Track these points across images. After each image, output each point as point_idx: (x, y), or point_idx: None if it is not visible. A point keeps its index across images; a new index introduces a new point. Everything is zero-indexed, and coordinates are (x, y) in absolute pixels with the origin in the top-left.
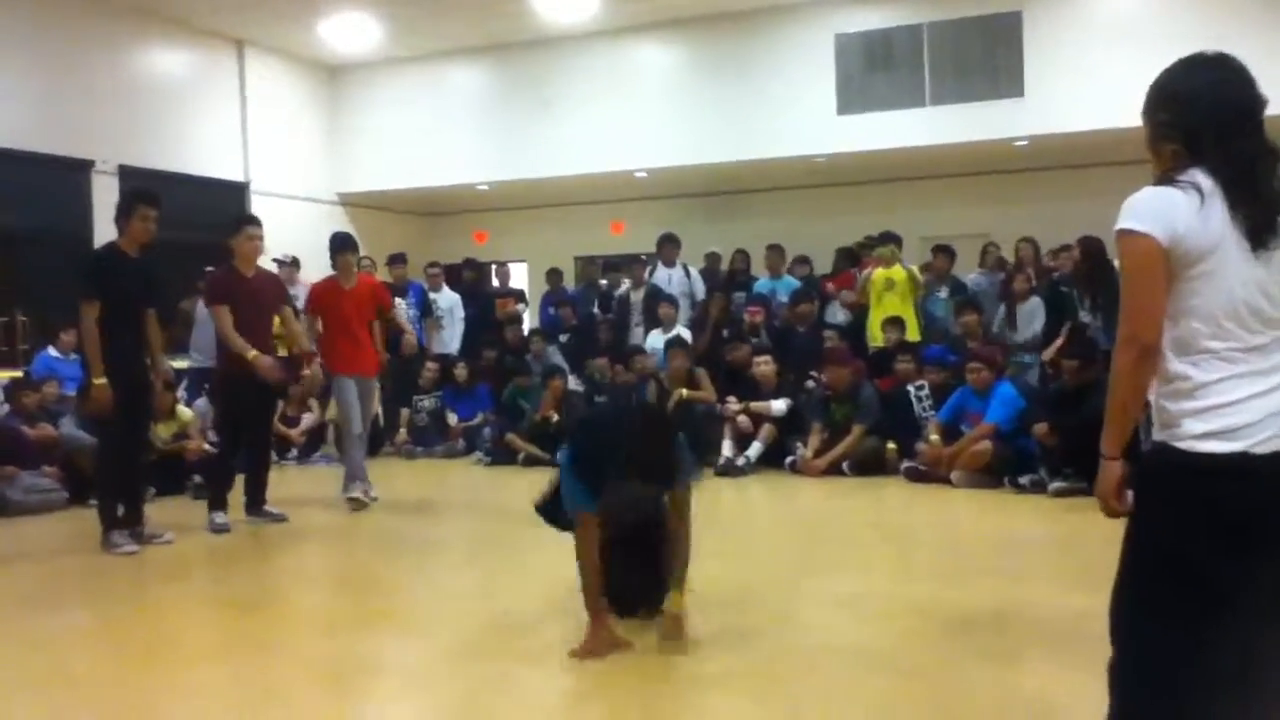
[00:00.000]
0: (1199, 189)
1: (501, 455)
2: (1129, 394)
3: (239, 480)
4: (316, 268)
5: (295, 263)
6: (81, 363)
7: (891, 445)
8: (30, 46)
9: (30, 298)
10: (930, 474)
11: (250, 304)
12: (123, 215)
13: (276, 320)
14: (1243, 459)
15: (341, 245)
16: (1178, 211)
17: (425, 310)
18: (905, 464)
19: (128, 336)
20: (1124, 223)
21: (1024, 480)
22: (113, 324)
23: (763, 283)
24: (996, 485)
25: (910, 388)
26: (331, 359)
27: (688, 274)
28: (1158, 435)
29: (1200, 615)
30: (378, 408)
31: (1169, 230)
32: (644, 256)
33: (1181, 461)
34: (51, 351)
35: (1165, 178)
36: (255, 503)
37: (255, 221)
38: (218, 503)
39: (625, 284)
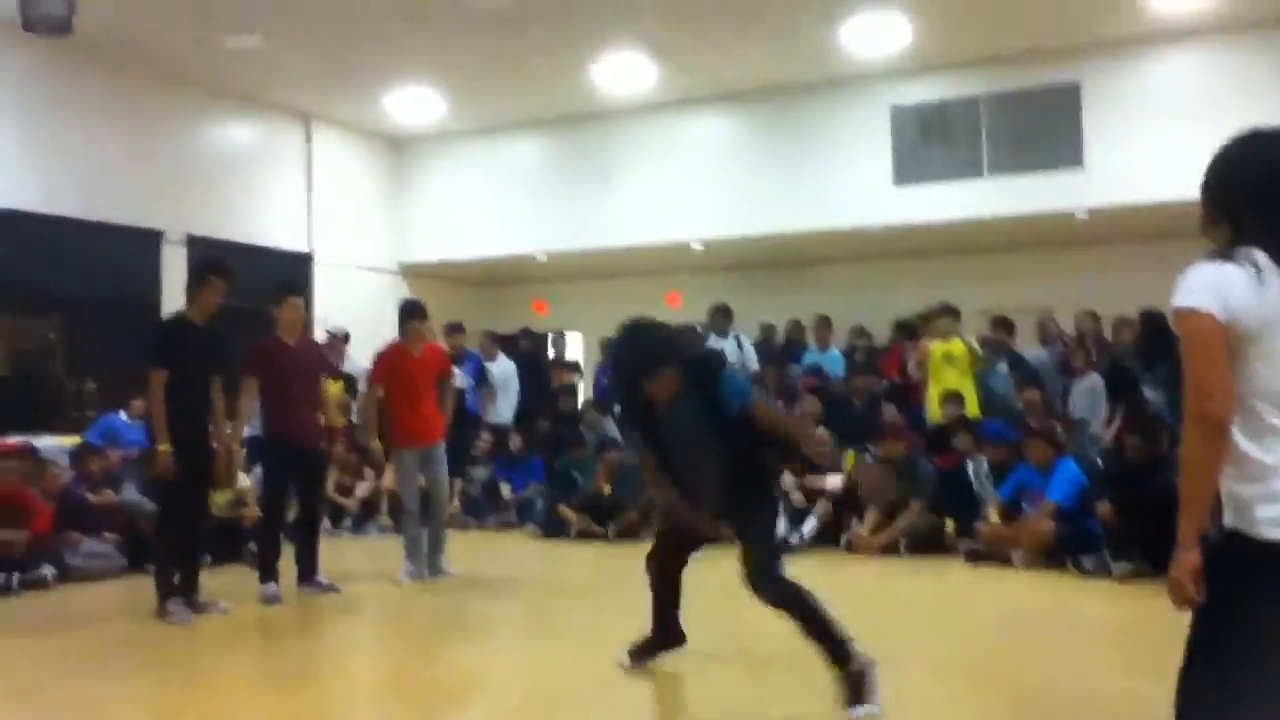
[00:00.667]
0: (1255, 264)
1: (554, 527)
2: (1201, 474)
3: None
4: (374, 336)
5: (345, 336)
6: (145, 428)
7: (950, 523)
8: (105, 119)
9: (99, 365)
10: (990, 554)
11: (293, 372)
12: (195, 285)
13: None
14: None
15: (411, 312)
16: (1234, 287)
17: (481, 379)
18: (964, 543)
19: (193, 404)
20: (1180, 300)
21: (1087, 562)
22: (179, 392)
23: (811, 354)
24: (1059, 566)
25: (969, 464)
26: (393, 432)
27: (740, 345)
28: (1228, 522)
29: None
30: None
31: (1225, 306)
32: (698, 328)
33: (1254, 551)
34: (122, 416)
35: (1219, 253)
36: (306, 573)
37: (297, 290)
38: (267, 573)
39: None
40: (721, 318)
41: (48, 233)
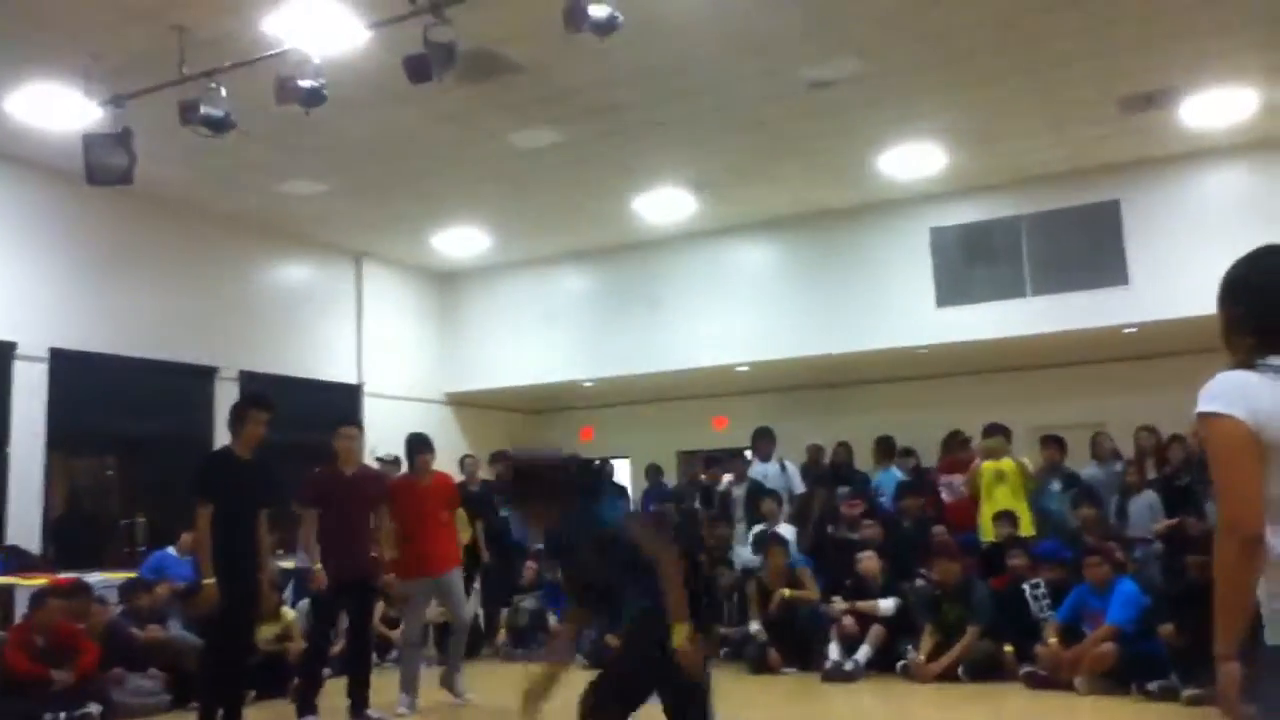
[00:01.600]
0: (1274, 369)
1: (603, 657)
2: (1237, 585)
3: (337, 684)
4: None
5: (396, 461)
6: (193, 563)
7: (1008, 648)
8: (161, 260)
9: (152, 501)
10: (1051, 679)
11: (349, 501)
12: (236, 420)
13: None
14: None
15: (417, 445)
16: (1258, 393)
17: None
18: (1024, 668)
19: (239, 538)
20: (1204, 405)
21: (1153, 686)
22: (225, 525)
23: (887, 475)
24: (1124, 691)
25: (1025, 586)
26: (403, 564)
27: (784, 469)
28: (1269, 639)
29: None
30: (477, 608)
31: (1251, 411)
32: (747, 451)
33: None
34: (170, 551)
35: (1241, 363)
36: (358, 706)
37: (351, 422)
38: (306, 705)
39: (727, 479)
40: (765, 441)
41: (105, 372)
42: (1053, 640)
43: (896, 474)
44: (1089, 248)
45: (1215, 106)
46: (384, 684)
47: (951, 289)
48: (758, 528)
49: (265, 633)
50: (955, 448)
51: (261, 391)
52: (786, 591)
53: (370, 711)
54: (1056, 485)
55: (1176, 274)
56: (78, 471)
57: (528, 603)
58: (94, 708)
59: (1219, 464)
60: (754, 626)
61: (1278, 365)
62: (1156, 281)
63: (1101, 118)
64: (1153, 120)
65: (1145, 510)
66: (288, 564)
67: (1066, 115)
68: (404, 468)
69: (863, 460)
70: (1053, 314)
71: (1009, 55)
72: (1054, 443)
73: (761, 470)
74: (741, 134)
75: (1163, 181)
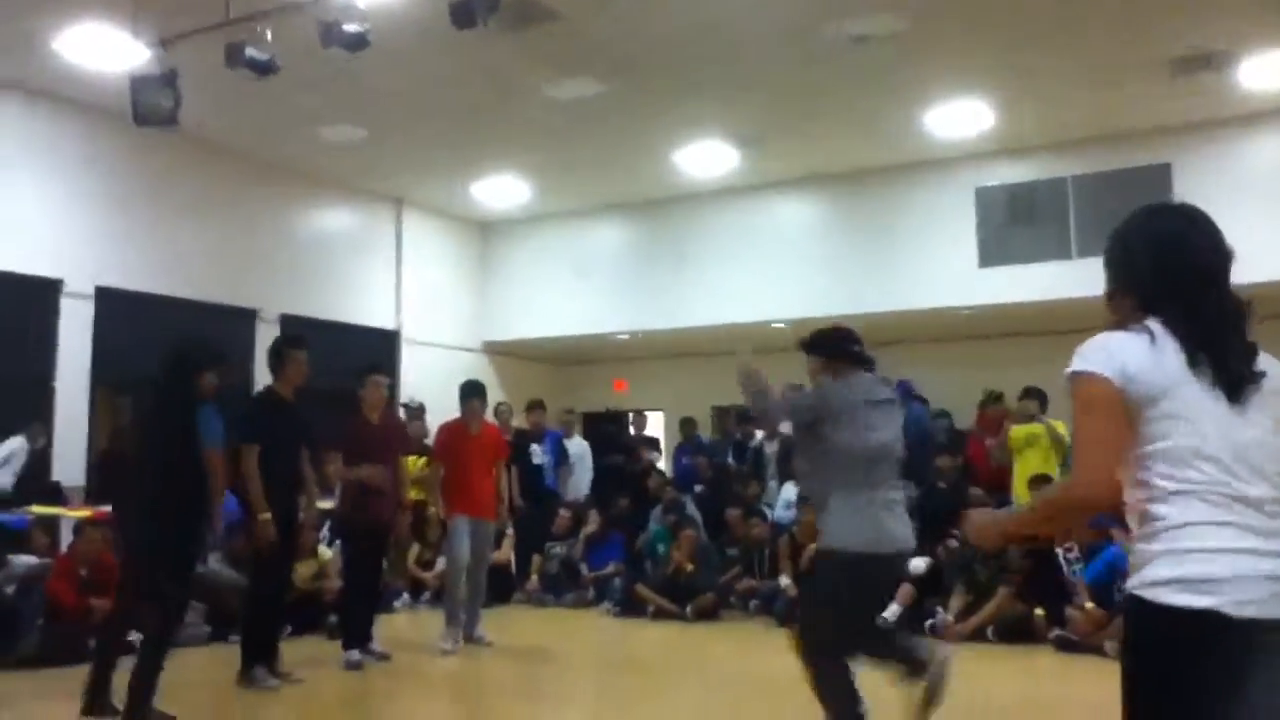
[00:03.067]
0: (1150, 331)
1: (631, 606)
2: (1054, 520)
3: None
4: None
5: (421, 409)
6: (238, 503)
7: (1040, 611)
8: (205, 203)
9: None
10: (1081, 643)
11: (376, 447)
12: (276, 360)
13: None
14: (1213, 617)
15: (471, 392)
16: (1127, 352)
17: (561, 457)
18: (1055, 632)
19: (283, 477)
20: (1074, 365)
21: None
22: (269, 465)
23: None
24: None
25: (1059, 550)
26: (448, 501)
27: None
28: (1130, 584)
29: None
30: (507, 555)
31: (1119, 369)
32: None
33: (1150, 613)
34: None
35: (1118, 324)
36: (359, 640)
37: (380, 370)
38: (352, 639)
39: (759, 435)
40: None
41: (149, 312)
42: (1089, 604)
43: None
44: None
45: (1272, 68)
46: (414, 624)
47: (995, 250)
48: (789, 484)
49: (303, 571)
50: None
51: (297, 333)
52: (816, 547)
53: (373, 646)
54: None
55: (1227, 239)
56: (120, 409)
57: (559, 550)
58: (135, 637)
59: (1082, 422)
60: (784, 580)
61: (1151, 326)
62: None
63: (1155, 79)
64: (1207, 82)
65: None
66: (325, 504)
67: (1119, 76)
68: (425, 415)
69: None
70: (1097, 276)
71: (1061, 11)
72: None
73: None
74: (785, 88)
75: (1216, 145)
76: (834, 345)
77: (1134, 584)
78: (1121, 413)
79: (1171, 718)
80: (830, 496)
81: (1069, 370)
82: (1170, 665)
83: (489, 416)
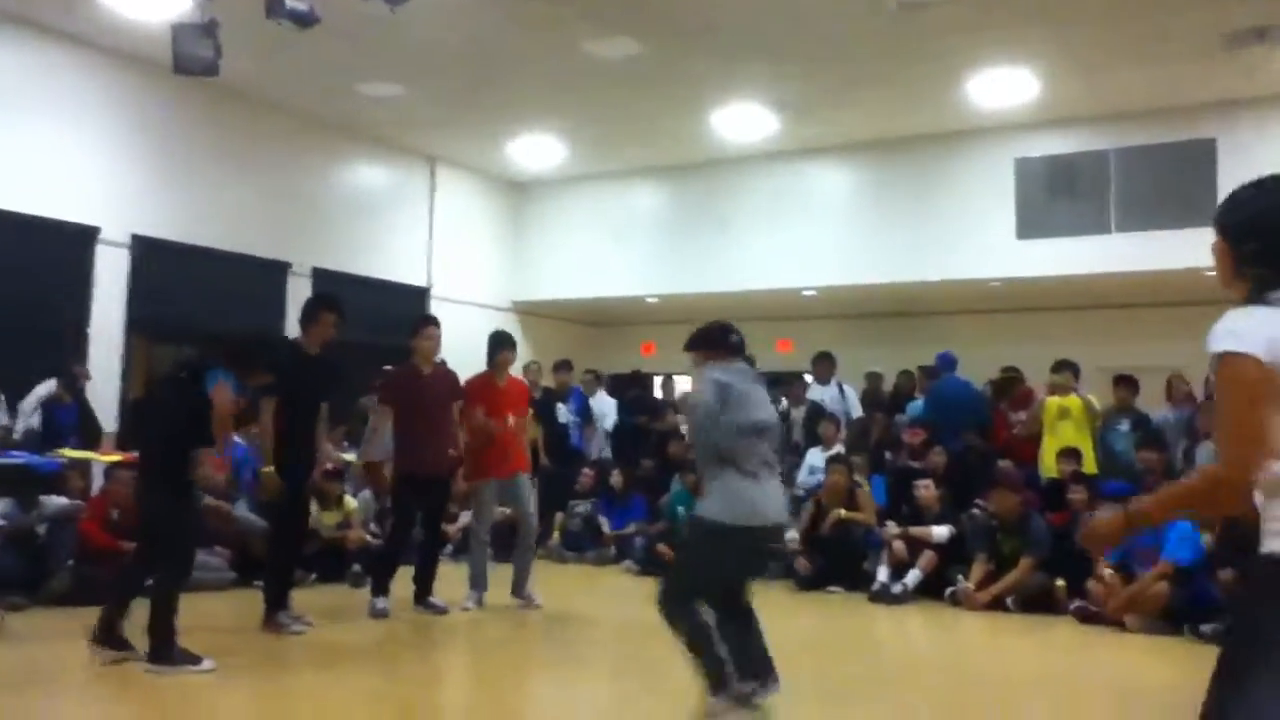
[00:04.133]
0: None
1: (651, 565)
2: (1195, 508)
3: (404, 573)
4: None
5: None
6: (257, 451)
7: (1060, 582)
8: (240, 154)
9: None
10: (1102, 616)
11: (429, 398)
12: (308, 318)
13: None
14: None
15: (500, 343)
16: (1269, 326)
17: (586, 416)
18: (1075, 603)
19: (302, 429)
20: (1219, 345)
21: (1206, 629)
22: (289, 417)
23: (915, 404)
24: (1176, 632)
25: (1083, 522)
26: (472, 466)
27: (842, 392)
28: (1266, 545)
29: None
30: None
31: (1269, 346)
32: (807, 375)
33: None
34: (238, 439)
35: (1253, 299)
36: (422, 594)
37: (434, 322)
38: (380, 589)
39: (784, 401)
40: (825, 364)
41: (183, 261)
42: (1108, 572)
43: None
44: (1180, 186)
45: None
46: (443, 577)
47: (1033, 222)
48: (814, 450)
49: (327, 520)
50: (1013, 386)
51: (334, 294)
52: (842, 512)
53: (433, 599)
54: (1125, 425)
55: None
56: (155, 358)
57: (582, 508)
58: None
59: (1231, 404)
60: (791, 534)
61: None
62: None
63: (1204, 52)
64: (1258, 57)
65: (1211, 456)
66: (350, 456)
67: (1168, 48)
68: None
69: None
70: (1137, 251)
71: None
72: (1126, 383)
73: (820, 394)
74: (828, 54)
75: (1264, 121)
76: (713, 339)
77: (1271, 548)
78: (1268, 389)
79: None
80: (712, 473)
81: (1215, 349)
82: None
83: (517, 373)
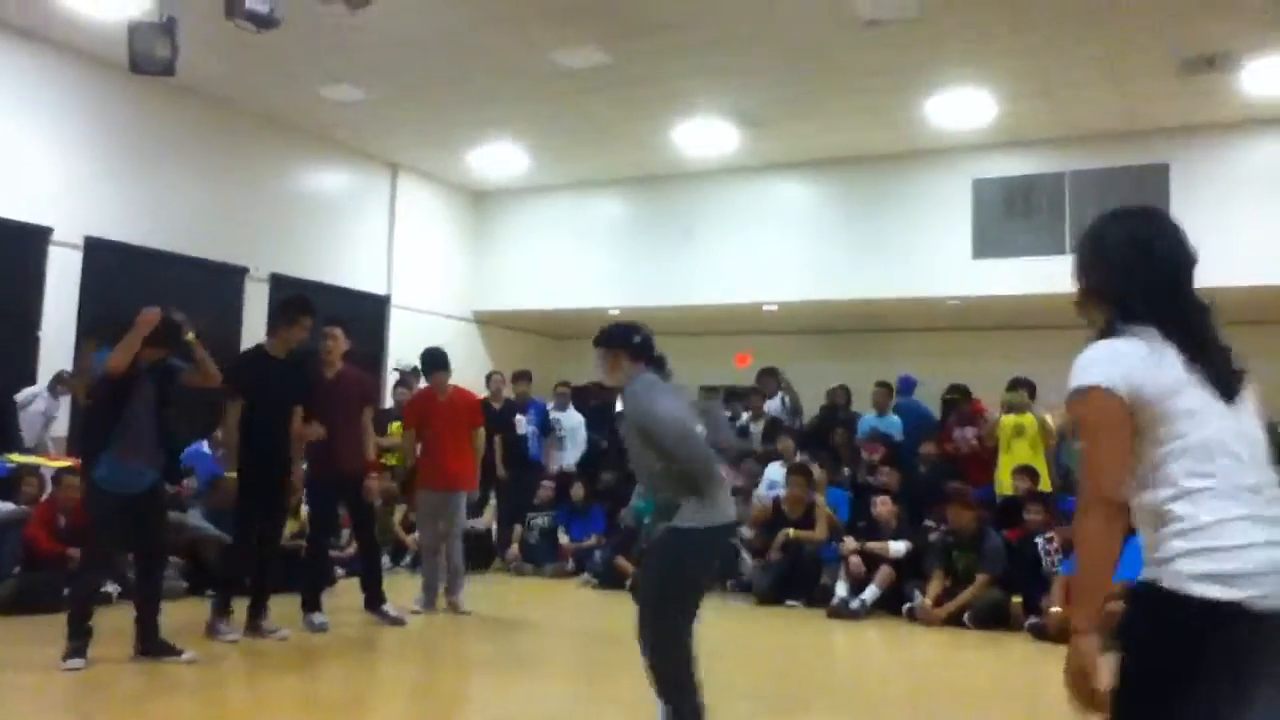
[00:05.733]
0: (1139, 337)
1: (610, 579)
2: (1106, 556)
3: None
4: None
5: (415, 372)
6: (224, 458)
7: (1016, 599)
8: (198, 156)
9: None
10: (1057, 633)
11: (329, 404)
12: (281, 320)
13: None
14: (1239, 610)
15: (433, 362)
16: (1131, 359)
17: (545, 428)
18: (1030, 620)
19: (267, 435)
20: (1078, 380)
21: None
22: (256, 422)
23: (867, 419)
24: None
25: (1039, 539)
26: (421, 473)
27: (784, 404)
28: (1147, 575)
29: None
30: (489, 523)
31: (1126, 379)
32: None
33: (1165, 601)
34: (204, 447)
35: (1108, 331)
36: (372, 602)
37: (337, 321)
38: (312, 603)
39: (745, 415)
40: (768, 378)
41: (138, 264)
42: (1055, 610)
43: (895, 420)
44: None
45: (1276, 73)
46: (400, 586)
47: (990, 241)
48: (773, 464)
49: (287, 529)
50: (959, 406)
51: (309, 299)
52: (791, 532)
53: (386, 607)
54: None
55: (1221, 243)
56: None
57: (541, 520)
58: (112, 587)
59: (1091, 437)
60: (746, 532)
61: (1141, 332)
62: (1200, 249)
63: (1160, 77)
64: (1212, 83)
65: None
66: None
67: (1125, 72)
68: (416, 380)
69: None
70: None
71: (1076, 6)
72: None
73: (766, 407)
74: (792, 69)
75: (1215, 148)
76: (615, 337)
77: (1152, 575)
78: (1128, 426)
79: (1167, 705)
80: (690, 486)
81: (1073, 385)
82: (1178, 653)
83: (480, 386)
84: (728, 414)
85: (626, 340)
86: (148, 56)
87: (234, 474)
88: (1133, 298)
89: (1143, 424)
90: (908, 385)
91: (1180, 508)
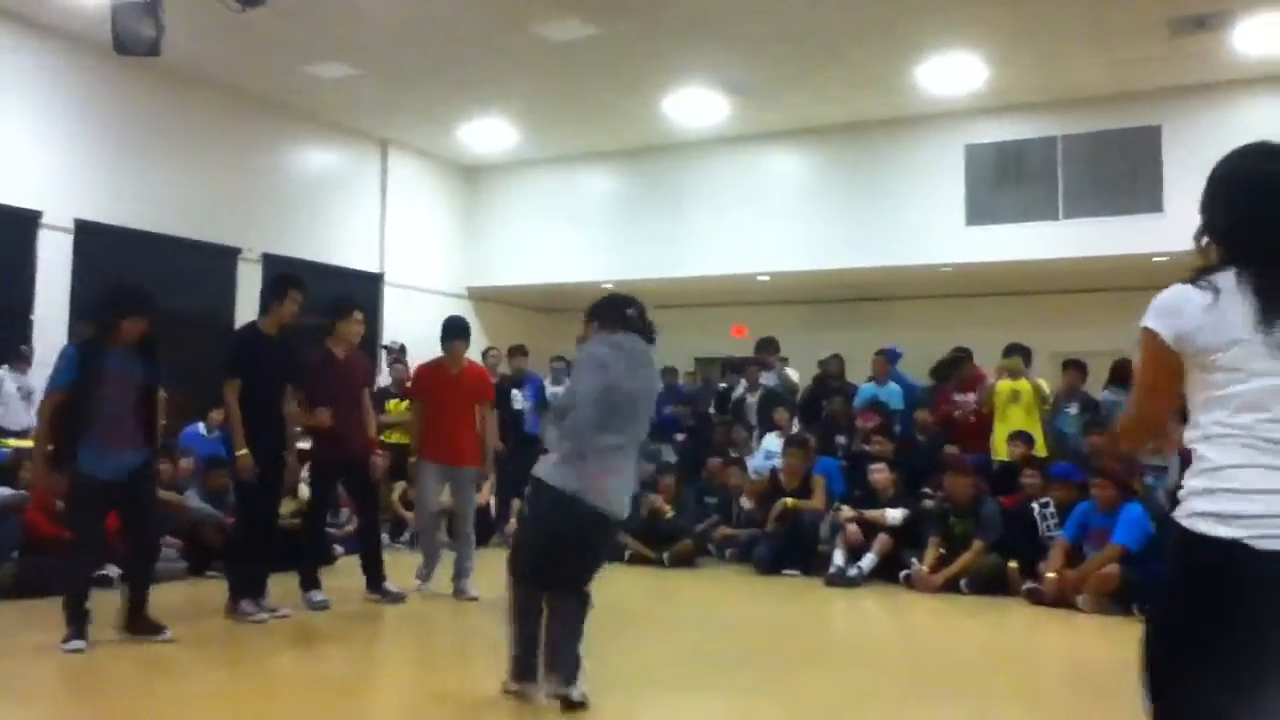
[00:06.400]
0: (1215, 288)
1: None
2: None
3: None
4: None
5: (402, 350)
6: (221, 440)
7: (1013, 564)
8: (187, 137)
9: (174, 377)
10: (1053, 597)
11: (338, 385)
12: (273, 296)
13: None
14: (1238, 548)
15: (453, 331)
16: (1184, 312)
17: (542, 403)
18: (1027, 585)
19: (264, 413)
20: (1143, 320)
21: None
22: (252, 401)
23: (866, 388)
24: (1126, 613)
25: (1035, 505)
26: (421, 444)
27: (780, 383)
28: (1177, 513)
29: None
30: (487, 498)
31: (1173, 329)
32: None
33: (1187, 540)
34: (200, 429)
35: (1192, 277)
36: (374, 581)
37: (361, 306)
38: (311, 580)
39: (741, 386)
40: (765, 348)
41: (129, 247)
42: (1051, 575)
43: (896, 389)
44: (1126, 173)
45: (1268, 32)
46: (399, 563)
47: (982, 208)
48: (770, 435)
49: (286, 508)
50: (961, 367)
51: (298, 273)
52: (789, 501)
53: (387, 585)
54: (1074, 409)
55: None
56: None
57: None
58: (111, 569)
59: (1136, 373)
60: (745, 502)
61: (1217, 281)
62: (1193, 211)
63: (1150, 39)
64: (1202, 44)
65: None
66: (304, 444)
67: (1114, 35)
68: (406, 358)
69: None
70: (1084, 238)
71: None
72: (1075, 367)
73: (764, 379)
74: (781, 37)
75: (1207, 109)
76: (601, 311)
77: (1179, 514)
78: (1168, 366)
79: (1188, 635)
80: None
81: (1141, 323)
82: (1198, 588)
83: (478, 362)
84: (723, 385)
85: (594, 312)
86: (132, 36)
87: (245, 451)
88: (1236, 237)
89: (1190, 370)
90: (892, 357)
91: (1203, 449)
